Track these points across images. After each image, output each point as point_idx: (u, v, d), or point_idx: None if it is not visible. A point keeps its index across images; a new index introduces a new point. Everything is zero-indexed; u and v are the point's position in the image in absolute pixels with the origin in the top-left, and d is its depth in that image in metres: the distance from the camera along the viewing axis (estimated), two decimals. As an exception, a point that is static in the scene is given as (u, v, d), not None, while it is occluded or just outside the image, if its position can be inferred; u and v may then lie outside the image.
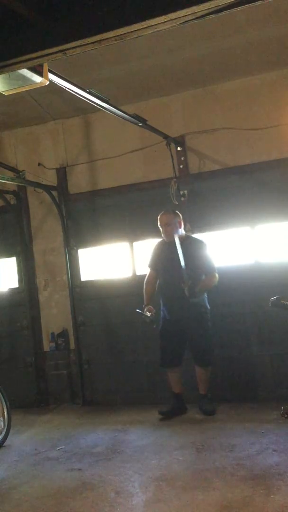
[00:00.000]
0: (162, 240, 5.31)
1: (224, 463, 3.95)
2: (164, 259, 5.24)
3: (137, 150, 5.93)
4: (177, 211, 5.25)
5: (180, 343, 5.23)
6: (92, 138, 6.20)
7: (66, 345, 6.26)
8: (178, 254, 4.99)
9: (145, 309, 5.12)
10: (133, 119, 4.70)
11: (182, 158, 5.74)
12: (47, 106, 5.86)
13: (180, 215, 5.26)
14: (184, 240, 5.16)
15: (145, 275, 5.46)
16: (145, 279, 5.42)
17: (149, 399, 5.77)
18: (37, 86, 2.88)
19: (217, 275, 5.18)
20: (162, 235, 5.24)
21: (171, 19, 2.27)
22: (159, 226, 5.22)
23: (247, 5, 2.30)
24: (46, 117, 6.22)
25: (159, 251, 5.32)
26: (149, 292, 5.34)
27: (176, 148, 5.67)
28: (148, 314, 5.07)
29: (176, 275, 4.98)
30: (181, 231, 5.23)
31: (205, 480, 3.70)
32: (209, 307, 5.23)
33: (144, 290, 5.36)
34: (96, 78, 5.08)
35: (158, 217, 5.21)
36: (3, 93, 2.89)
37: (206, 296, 5.23)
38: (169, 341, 5.23)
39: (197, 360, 5.24)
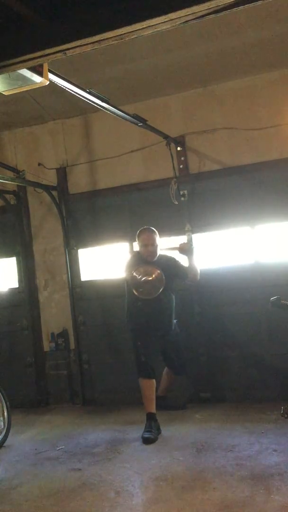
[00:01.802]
0: (137, 254, 5.14)
1: (224, 463, 3.95)
2: None
3: (137, 150, 5.93)
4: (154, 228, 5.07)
5: (153, 354, 5.08)
6: (92, 138, 6.20)
7: (66, 345, 6.26)
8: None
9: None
10: (133, 119, 4.70)
11: (182, 158, 5.74)
12: (47, 106, 5.86)
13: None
14: (160, 259, 5.01)
15: None
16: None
17: (149, 399, 5.76)
18: (37, 86, 2.88)
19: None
20: (143, 254, 4.99)
21: (171, 19, 2.27)
22: (139, 244, 5.02)
23: (247, 5, 2.30)
24: (46, 117, 6.22)
25: (136, 265, 4.99)
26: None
27: (176, 148, 5.67)
28: None
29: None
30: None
31: (205, 480, 3.70)
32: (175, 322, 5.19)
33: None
34: (96, 78, 5.08)
35: (139, 235, 5.02)
36: (3, 93, 2.89)
37: (173, 311, 5.11)
38: (146, 351, 4.96)
39: (174, 370, 5.31)
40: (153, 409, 4.85)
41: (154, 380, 4.92)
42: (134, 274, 4.84)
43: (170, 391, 5.44)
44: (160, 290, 4.83)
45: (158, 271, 4.85)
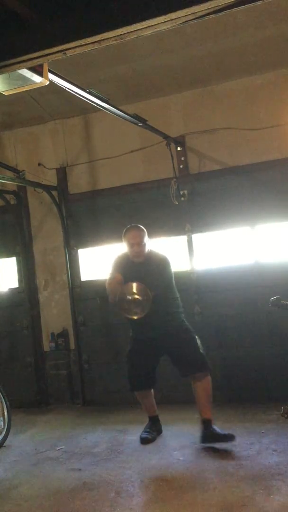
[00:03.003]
0: (124, 255, 4.70)
1: (224, 463, 3.95)
2: (128, 275, 4.49)
3: (137, 150, 5.93)
4: (142, 226, 4.69)
5: (154, 363, 4.68)
6: (92, 138, 6.20)
7: (66, 345, 6.26)
8: (146, 273, 4.43)
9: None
10: (133, 119, 4.70)
11: (182, 158, 5.74)
12: (47, 106, 5.86)
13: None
14: (147, 258, 4.59)
15: None
16: (108, 282, 4.57)
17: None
18: (37, 86, 2.88)
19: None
20: (130, 254, 4.60)
21: (171, 19, 2.27)
22: (126, 243, 4.61)
23: (247, 5, 2.30)
24: (46, 117, 6.22)
25: (122, 267, 4.61)
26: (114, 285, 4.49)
27: (176, 148, 5.67)
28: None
29: None
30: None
31: (205, 480, 3.70)
32: (185, 320, 4.69)
33: (109, 288, 4.53)
34: (96, 78, 5.08)
35: (125, 233, 4.62)
36: (3, 93, 2.89)
37: (180, 310, 4.67)
38: (140, 363, 4.63)
39: (191, 368, 4.47)
40: (153, 412, 4.79)
41: (147, 391, 4.70)
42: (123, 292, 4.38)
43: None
44: (148, 310, 4.32)
45: (142, 288, 4.34)
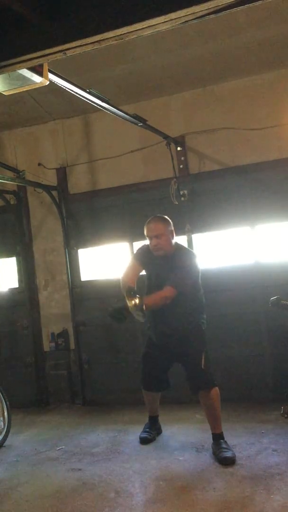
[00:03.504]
0: (148, 247, 4.42)
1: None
2: (150, 270, 4.36)
3: (137, 150, 5.92)
4: (167, 217, 4.41)
5: (167, 367, 4.56)
6: (92, 138, 6.20)
7: (66, 345, 6.26)
8: (169, 270, 4.19)
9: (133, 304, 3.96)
10: (133, 119, 4.70)
11: (182, 158, 5.74)
12: (47, 106, 5.86)
13: (171, 221, 4.40)
14: (175, 254, 4.31)
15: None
16: (124, 272, 4.40)
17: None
18: (37, 86, 2.87)
19: (173, 289, 4.13)
20: (150, 247, 4.33)
21: (171, 19, 2.27)
22: (146, 236, 4.38)
23: (247, 5, 2.30)
24: (46, 117, 6.22)
25: (144, 259, 4.41)
26: (126, 282, 4.25)
27: (176, 148, 5.67)
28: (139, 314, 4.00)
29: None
30: (173, 242, 4.35)
31: (205, 480, 3.70)
32: (204, 323, 4.43)
33: (122, 283, 4.34)
34: (96, 78, 5.08)
35: (146, 225, 4.37)
36: (3, 93, 2.89)
37: (201, 310, 4.44)
38: (154, 367, 4.52)
39: (194, 388, 4.34)
40: (155, 413, 4.78)
41: (155, 393, 4.67)
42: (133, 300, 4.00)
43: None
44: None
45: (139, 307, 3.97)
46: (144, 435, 4.64)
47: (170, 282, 4.14)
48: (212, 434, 4.29)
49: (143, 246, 4.54)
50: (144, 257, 4.41)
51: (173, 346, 4.39)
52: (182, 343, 4.32)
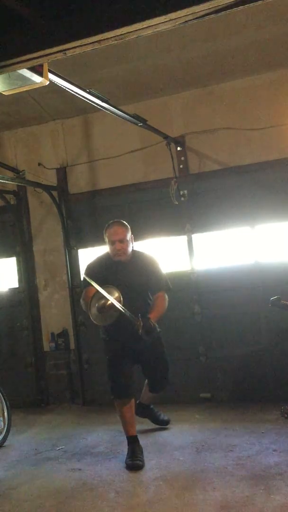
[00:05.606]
0: (104, 256, 4.37)
1: (224, 463, 3.95)
2: (113, 280, 4.10)
3: (137, 150, 5.93)
4: (125, 222, 4.37)
5: (132, 368, 4.34)
6: (92, 138, 6.20)
7: (66, 345, 6.26)
8: (129, 275, 4.14)
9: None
10: (133, 119, 4.70)
11: (182, 158, 5.74)
12: (47, 106, 5.86)
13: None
14: (133, 258, 4.28)
15: None
16: (85, 298, 4.18)
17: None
18: (37, 86, 2.87)
19: (165, 294, 4.26)
20: (111, 253, 4.25)
21: (171, 19, 2.27)
22: (107, 240, 4.27)
23: (247, 5, 2.30)
24: (46, 117, 6.22)
25: (103, 270, 4.25)
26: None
27: (176, 148, 5.67)
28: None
29: (129, 298, 4.03)
30: (131, 248, 4.30)
31: (205, 480, 3.70)
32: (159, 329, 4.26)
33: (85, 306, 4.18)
34: (96, 78, 5.08)
35: (105, 230, 4.29)
36: (3, 93, 2.89)
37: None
38: (124, 368, 4.23)
39: (158, 388, 4.57)
40: (134, 432, 4.25)
41: (131, 399, 4.24)
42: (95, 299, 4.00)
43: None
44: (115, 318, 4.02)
45: (117, 295, 3.95)
46: (135, 462, 4.04)
47: (159, 288, 4.27)
48: (143, 403, 4.77)
49: (89, 264, 4.43)
50: (100, 273, 4.21)
51: (139, 347, 4.22)
52: (147, 346, 4.19)
